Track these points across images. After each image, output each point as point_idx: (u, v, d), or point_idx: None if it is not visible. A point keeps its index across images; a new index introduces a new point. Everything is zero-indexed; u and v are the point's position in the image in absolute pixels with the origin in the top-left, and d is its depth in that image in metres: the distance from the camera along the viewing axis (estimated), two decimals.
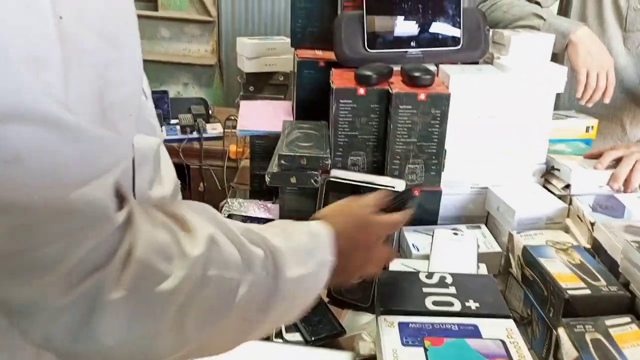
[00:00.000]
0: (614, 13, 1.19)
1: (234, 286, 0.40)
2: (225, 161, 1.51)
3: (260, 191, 1.17)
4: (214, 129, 1.79)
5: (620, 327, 0.62)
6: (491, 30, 1.03)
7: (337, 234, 0.51)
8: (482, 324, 0.61)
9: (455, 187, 0.96)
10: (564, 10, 1.30)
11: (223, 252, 0.40)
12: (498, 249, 0.86)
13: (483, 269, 0.80)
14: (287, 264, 0.44)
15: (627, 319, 0.63)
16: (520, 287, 0.78)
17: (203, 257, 0.38)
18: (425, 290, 0.67)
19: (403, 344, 0.56)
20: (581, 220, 0.81)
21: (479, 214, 0.97)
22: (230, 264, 0.40)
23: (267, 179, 0.92)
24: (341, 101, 0.90)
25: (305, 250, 0.47)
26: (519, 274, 0.78)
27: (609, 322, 0.63)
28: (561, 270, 0.71)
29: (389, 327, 0.59)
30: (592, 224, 0.77)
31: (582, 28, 1.10)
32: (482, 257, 0.84)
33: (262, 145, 1.17)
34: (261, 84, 1.48)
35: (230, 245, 0.41)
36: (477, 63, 1.03)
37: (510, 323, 0.61)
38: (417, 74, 0.89)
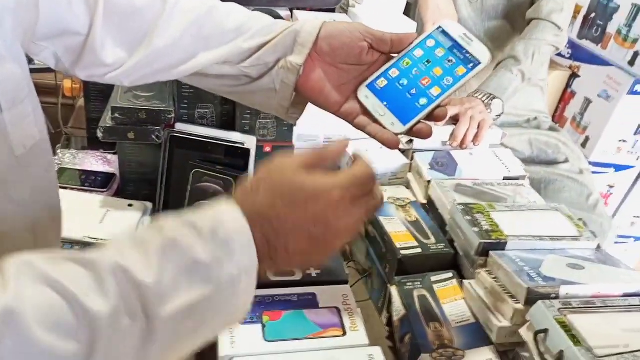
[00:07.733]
0: None
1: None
2: (60, 98, 1.32)
3: (99, 138, 1.04)
4: None
5: (443, 283, 0.68)
6: None
7: (256, 221, 0.40)
8: (321, 292, 0.62)
9: (309, 141, 0.95)
10: None
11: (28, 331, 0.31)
12: None
13: None
14: (166, 298, 0.36)
15: (449, 274, 0.69)
16: (364, 241, 0.81)
17: None
18: None
19: (241, 322, 0.55)
20: (420, 177, 0.85)
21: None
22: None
23: (99, 134, 0.81)
24: None
25: (204, 265, 0.37)
26: (363, 230, 0.82)
27: (434, 278, 0.69)
28: (398, 229, 0.74)
29: None
30: (428, 182, 0.82)
31: None
32: None
33: (98, 84, 1.02)
34: None
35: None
36: (333, 10, 1.00)
37: (346, 289, 0.63)
38: None
